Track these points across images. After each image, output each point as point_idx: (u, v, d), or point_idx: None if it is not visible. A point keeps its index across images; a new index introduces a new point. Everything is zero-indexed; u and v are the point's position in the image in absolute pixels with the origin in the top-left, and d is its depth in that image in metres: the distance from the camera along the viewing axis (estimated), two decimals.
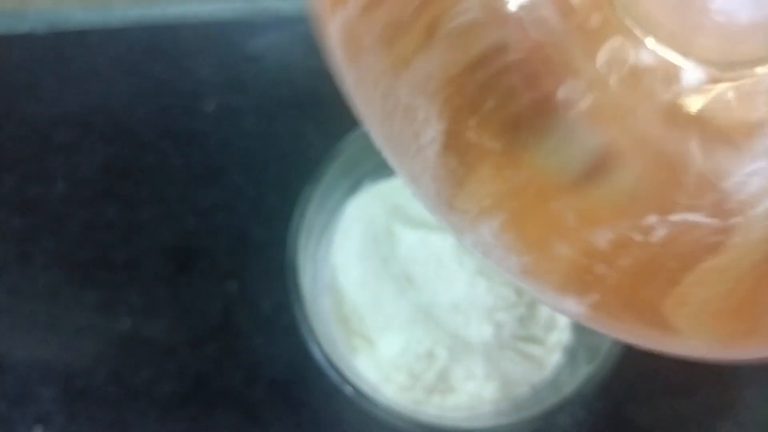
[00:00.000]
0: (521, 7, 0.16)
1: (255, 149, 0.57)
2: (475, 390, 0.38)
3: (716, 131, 0.17)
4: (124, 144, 0.57)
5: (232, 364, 0.49)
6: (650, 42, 0.16)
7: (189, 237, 0.53)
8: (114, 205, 0.54)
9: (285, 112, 0.58)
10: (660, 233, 0.17)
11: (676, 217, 0.17)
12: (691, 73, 0.16)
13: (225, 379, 0.49)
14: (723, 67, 0.17)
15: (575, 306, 0.19)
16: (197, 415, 0.48)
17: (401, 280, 0.39)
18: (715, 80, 0.16)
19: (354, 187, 0.43)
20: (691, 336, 0.20)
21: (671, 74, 0.17)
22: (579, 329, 0.40)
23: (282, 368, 0.49)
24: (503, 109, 0.17)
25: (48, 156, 0.56)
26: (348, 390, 0.32)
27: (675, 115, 0.16)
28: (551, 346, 0.41)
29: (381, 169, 0.44)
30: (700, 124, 0.17)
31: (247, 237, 0.53)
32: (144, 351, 0.50)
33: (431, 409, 0.37)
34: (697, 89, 0.16)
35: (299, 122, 0.58)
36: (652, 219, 0.17)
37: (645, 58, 0.16)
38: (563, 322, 0.41)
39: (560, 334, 0.41)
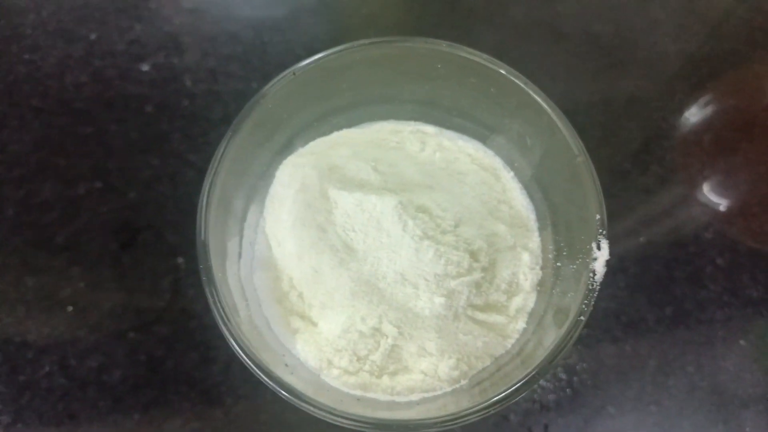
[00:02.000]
0: None
1: (197, 111, 0.52)
2: (429, 368, 0.34)
3: None
4: (56, 115, 0.52)
5: (185, 345, 0.46)
6: None
7: (131, 211, 0.49)
8: (49, 181, 0.50)
9: (227, 69, 0.54)
10: None
11: None
12: None
13: (179, 362, 0.46)
14: None
15: None
16: (151, 402, 0.45)
17: (341, 251, 0.35)
18: None
19: (284, 148, 0.38)
20: None
21: None
22: (546, 291, 0.36)
23: None
24: None
25: None
26: (282, 395, 0.28)
27: None
28: (514, 313, 0.36)
29: (314, 126, 0.39)
30: None
31: (193, 207, 0.49)
32: (90, 337, 0.46)
33: (380, 394, 0.33)
34: None
35: (244, 79, 0.53)
36: None
37: None
38: (528, 284, 0.36)
39: (524, 299, 0.36)
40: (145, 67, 0.54)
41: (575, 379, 0.46)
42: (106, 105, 0.52)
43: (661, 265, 0.48)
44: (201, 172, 0.50)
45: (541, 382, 0.46)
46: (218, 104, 0.52)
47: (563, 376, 0.46)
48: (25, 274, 0.48)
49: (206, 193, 0.31)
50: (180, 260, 0.48)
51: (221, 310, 0.29)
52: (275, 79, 0.33)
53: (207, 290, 0.29)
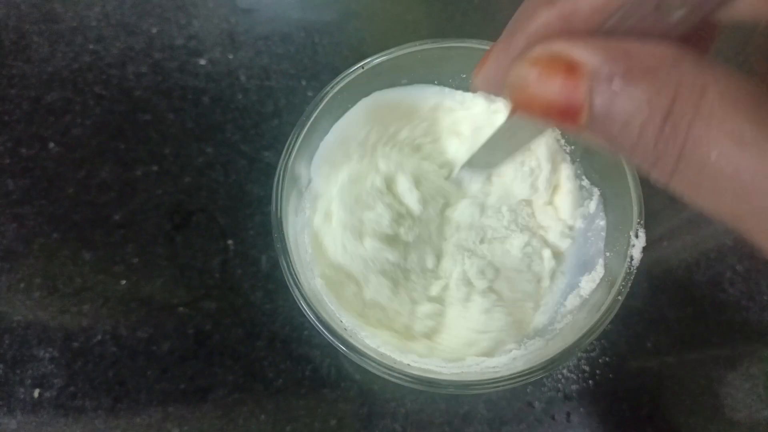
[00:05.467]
0: None
1: (249, 105, 0.55)
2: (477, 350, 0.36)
3: None
4: (116, 102, 0.56)
5: (232, 321, 0.49)
6: None
7: (185, 195, 0.52)
8: (108, 164, 0.53)
9: (279, 67, 0.57)
10: None
11: None
12: None
13: (224, 337, 0.48)
14: None
15: None
16: (197, 373, 0.47)
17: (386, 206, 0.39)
18: None
19: None
20: None
21: None
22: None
23: (282, 324, 0.49)
24: None
25: (39, 116, 0.55)
26: (341, 349, 0.30)
27: None
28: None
29: None
30: None
31: (243, 193, 0.52)
32: (142, 310, 0.49)
33: (433, 365, 0.36)
34: None
35: (294, 77, 0.56)
36: None
37: None
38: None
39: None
40: (202, 62, 0.57)
41: (597, 372, 0.48)
42: (164, 95, 0.56)
43: (683, 267, 0.51)
44: (252, 161, 0.53)
45: (565, 372, 0.48)
46: (270, 99, 0.56)
47: (586, 368, 0.48)
48: (82, 248, 0.51)
49: (281, 174, 0.33)
50: (229, 242, 0.51)
51: (294, 275, 0.31)
52: (345, 72, 0.36)
53: (281, 258, 0.31)
